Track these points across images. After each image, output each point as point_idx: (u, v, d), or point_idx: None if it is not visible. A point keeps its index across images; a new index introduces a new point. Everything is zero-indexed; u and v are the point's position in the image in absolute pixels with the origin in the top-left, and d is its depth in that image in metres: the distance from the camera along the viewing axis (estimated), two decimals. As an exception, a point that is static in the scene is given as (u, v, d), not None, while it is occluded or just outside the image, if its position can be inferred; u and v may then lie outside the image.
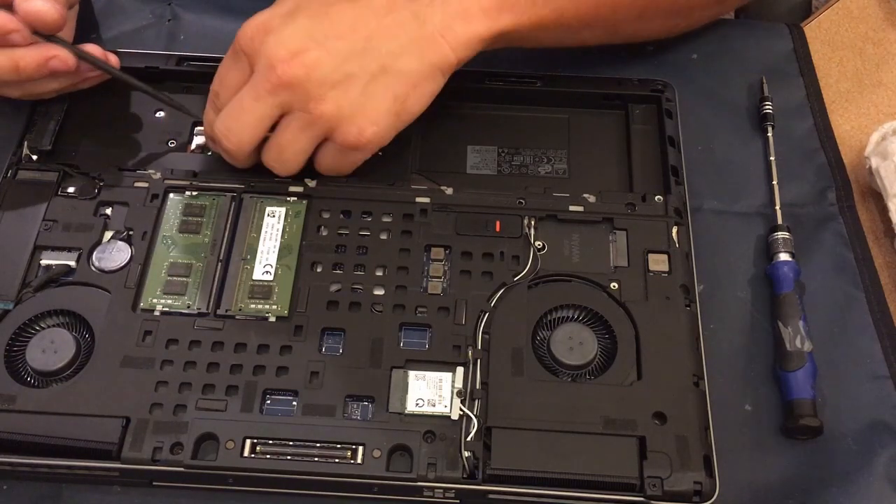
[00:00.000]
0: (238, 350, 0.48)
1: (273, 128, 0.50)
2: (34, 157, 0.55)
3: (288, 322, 0.49)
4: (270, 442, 0.45)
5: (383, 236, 0.52)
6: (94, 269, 0.50)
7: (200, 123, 0.54)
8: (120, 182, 0.53)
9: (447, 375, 0.47)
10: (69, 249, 0.51)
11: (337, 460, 0.44)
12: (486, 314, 0.49)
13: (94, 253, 0.51)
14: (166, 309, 0.49)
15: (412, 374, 0.47)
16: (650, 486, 0.44)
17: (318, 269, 0.51)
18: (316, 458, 0.44)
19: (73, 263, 0.50)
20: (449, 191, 0.54)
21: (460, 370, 0.47)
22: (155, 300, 0.49)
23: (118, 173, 0.54)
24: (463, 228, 0.52)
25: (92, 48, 0.53)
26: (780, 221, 0.55)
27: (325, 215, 0.53)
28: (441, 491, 0.45)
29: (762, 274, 0.54)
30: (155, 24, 0.64)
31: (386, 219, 0.52)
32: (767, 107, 0.60)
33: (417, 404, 0.46)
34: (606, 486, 0.44)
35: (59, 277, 0.50)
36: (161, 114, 0.58)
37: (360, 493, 0.45)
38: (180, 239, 0.52)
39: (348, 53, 0.48)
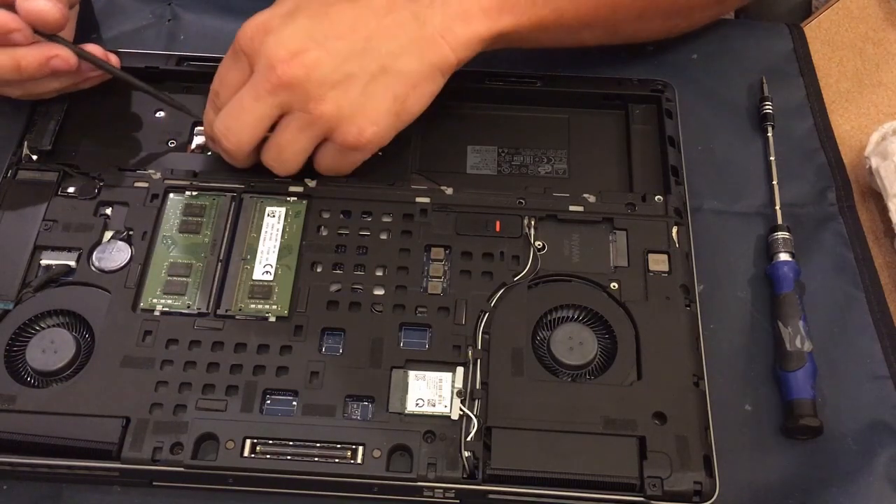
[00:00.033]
0: (238, 350, 0.48)
1: (272, 128, 0.50)
2: (34, 157, 0.55)
3: (288, 322, 0.49)
4: (270, 442, 0.45)
5: (383, 236, 0.52)
6: (94, 269, 0.50)
7: (200, 123, 0.54)
8: (120, 182, 0.53)
9: (447, 375, 0.47)
10: (69, 249, 0.51)
11: (337, 460, 0.44)
12: (486, 314, 0.49)
13: (94, 253, 0.51)
14: (166, 309, 0.49)
15: (412, 374, 0.47)
16: (650, 486, 0.44)
17: (318, 269, 0.51)
18: (316, 458, 0.44)
19: (73, 263, 0.50)
20: (449, 191, 0.54)
21: (460, 370, 0.47)
22: (155, 300, 0.49)
23: (118, 173, 0.54)
24: (463, 228, 0.52)
25: (93, 48, 0.53)
26: (780, 221, 0.55)
27: (325, 215, 0.53)
28: (441, 491, 0.45)
29: (762, 274, 0.54)
30: (155, 24, 0.64)
31: (386, 219, 0.52)
32: (767, 107, 0.60)
33: (417, 404, 0.46)
34: (606, 486, 0.44)
35: (59, 277, 0.50)
36: (161, 114, 0.58)
37: (360, 493, 0.45)
38: (180, 239, 0.52)
39: (348, 54, 0.48)
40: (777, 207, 0.56)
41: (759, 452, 0.48)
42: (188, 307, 0.49)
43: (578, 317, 0.50)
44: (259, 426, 0.45)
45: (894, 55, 0.65)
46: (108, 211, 0.53)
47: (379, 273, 0.50)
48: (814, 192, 0.58)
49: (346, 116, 0.49)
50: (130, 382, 0.46)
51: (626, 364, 0.48)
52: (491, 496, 0.45)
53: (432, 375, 0.47)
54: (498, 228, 0.52)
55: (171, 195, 0.53)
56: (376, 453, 0.44)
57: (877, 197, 0.58)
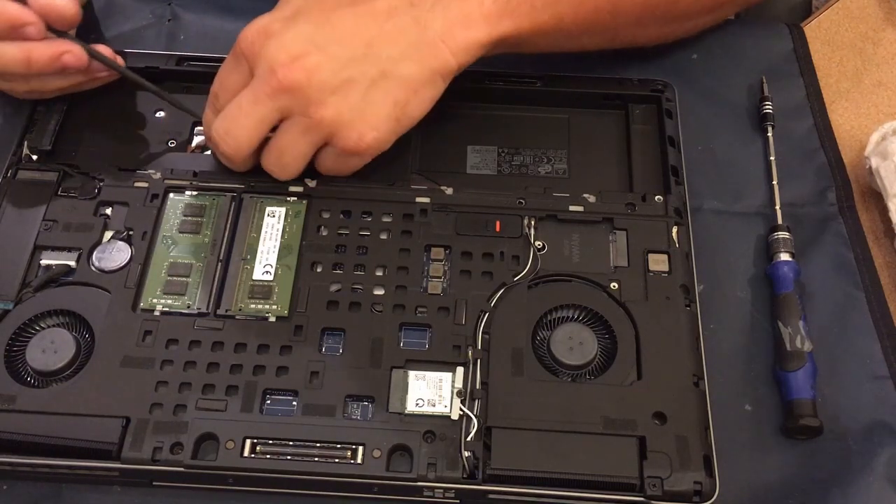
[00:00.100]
0: (238, 350, 0.48)
1: (272, 131, 0.50)
2: (34, 157, 0.55)
3: (288, 322, 0.49)
4: (270, 442, 0.45)
5: (383, 236, 0.52)
6: (94, 269, 0.50)
7: (201, 123, 0.54)
8: (120, 182, 0.53)
9: (447, 375, 0.47)
10: (69, 249, 0.51)
11: (337, 460, 0.44)
12: (486, 314, 0.49)
13: (94, 253, 0.51)
14: (166, 309, 0.49)
15: (412, 374, 0.47)
16: (650, 486, 0.44)
17: (318, 269, 0.51)
18: (316, 458, 0.44)
19: (73, 263, 0.50)
20: (449, 191, 0.54)
21: (460, 370, 0.47)
22: (155, 300, 0.49)
23: (118, 173, 0.54)
24: (463, 228, 0.52)
25: (102, 48, 0.53)
26: (780, 221, 0.55)
27: (325, 215, 0.53)
28: (441, 491, 0.45)
29: (762, 274, 0.54)
30: (155, 24, 0.64)
31: (386, 219, 0.52)
32: (767, 107, 0.60)
33: (417, 404, 0.46)
34: (606, 486, 0.44)
35: (59, 277, 0.50)
36: (161, 114, 0.58)
37: (360, 493, 0.45)
38: (180, 239, 0.52)
39: (349, 58, 0.48)
40: (777, 207, 0.56)
41: (759, 452, 0.48)
42: (188, 307, 0.49)
43: (578, 317, 0.50)
44: (259, 426, 0.45)
45: (894, 55, 0.65)
46: (108, 211, 0.53)
47: (379, 273, 0.50)
48: (814, 192, 0.58)
49: (347, 121, 0.49)
50: (130, 382, 0.46)
51: (626, 364, 0.48)
52: (491, 496, 0.45)
53: (432, 375, 0.47)
54: (498, 228, 0.52)
55: (171, 195, 0.53)
56: (376, 453, 0.44)
57: (877, 197, 0.58)
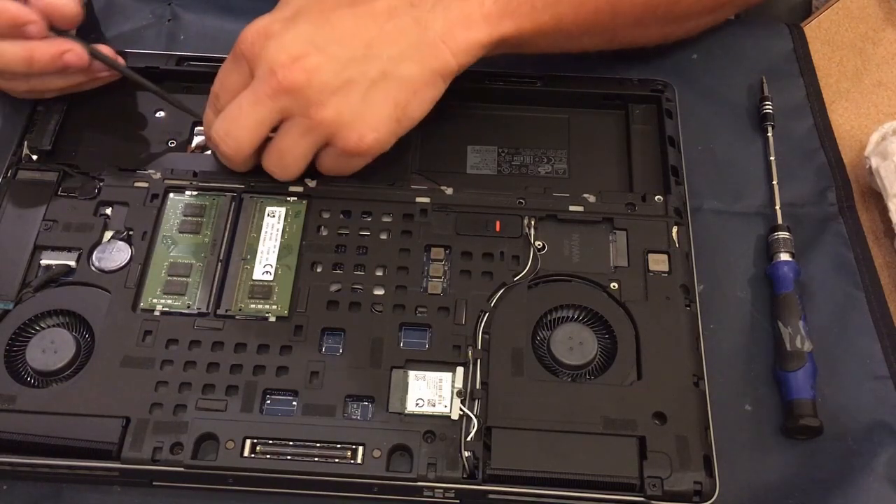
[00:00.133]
0: (238, 350, 0.48)
1: (273, 131, 0.50)
2: (34, 157, 0.55)
3: (288, 322, 0.49)
4: (270, 442, 0.45)
5: (383, 236, 0.52)
6: (94, 269, 0.50)
7: (201, 123, 0.54)
8: (120, 182, 0.53)
9: (447, 375, 0.47)
10: (69, 249, 0.51)
11: (337, 460, 0.44)
12: (486, 314, 0.49)
13: (94, 253, 0.51)
14: (166, 309, 0.49)
15: (412, 374, 0.47)
16: (650, 486, 0.44)
17: (318, 269, 0.51)
18: (316, 458, 0.45)
19: (73, 263, 0.50)
20: (449, 191, 0.54)
21: (460, 370, 0.47)
22: (155, 300, 0.49)
23: (118, 173, 0.54)
24: (463, 228, 0.52)
25: (103, 48, 0.53)
26: (780, 221, 0.55)
27: (325, 215, 0.53)
28: (441, 491, 0.45)
29: (762, 274, 0.54)
30: (155, 24, 0.64)
31: (386, 219, 0.52)
32: (767, 107, 0.60)
33: (417, 404, 0.46)
34: (606, 486, 0.44)
35: (59, 277, 0.50)
36: (161, 114, 0.58)
37: (360, 493, 0.45)
38: (180, 239, 0.52)
39: (349, 59, 0.48)
40: (777, 207, 0.56)
41: (759, 452, 0.48)
42: (188, 307, 0.49)
43: (578, 317, 0.50)
44: (259, 426, 0.45)
45: (894, 55, 0.65)
46: (108, 211, 0.53)
47: (379, 273, 0.50)
48: (814, 192, 0.58)
49: (347, 122, 0.48)
50: (130, 382, 0.46)
51: (626, 364, 0.48)
52: (491, 496, 0.45)
53: (432, 375, 0.47)
54: (498, 228, 0.52)
55: (171, 195, 0.53)
56: (376, 453, 0.44)
57: (877, 197, 0.58)
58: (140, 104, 0.58)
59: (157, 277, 0.50)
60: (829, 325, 0.52)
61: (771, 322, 0.52)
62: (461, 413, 0.46)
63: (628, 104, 0.58)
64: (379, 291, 0.50)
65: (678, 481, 0.44)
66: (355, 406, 0.46)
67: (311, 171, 0.52)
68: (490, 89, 0.58)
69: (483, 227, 0.52)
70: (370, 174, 0.53)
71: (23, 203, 0.52)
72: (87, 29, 0.53)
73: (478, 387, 0.47)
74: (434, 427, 0.45)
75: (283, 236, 0.52)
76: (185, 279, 0.50)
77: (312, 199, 0.53)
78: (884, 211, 0.57)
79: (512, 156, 0.57)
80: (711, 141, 0.60)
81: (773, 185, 0.57)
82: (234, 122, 0.49)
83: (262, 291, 0.50)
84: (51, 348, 0.47)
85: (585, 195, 0.54)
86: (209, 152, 0.55)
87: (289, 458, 0.44)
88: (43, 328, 0.48)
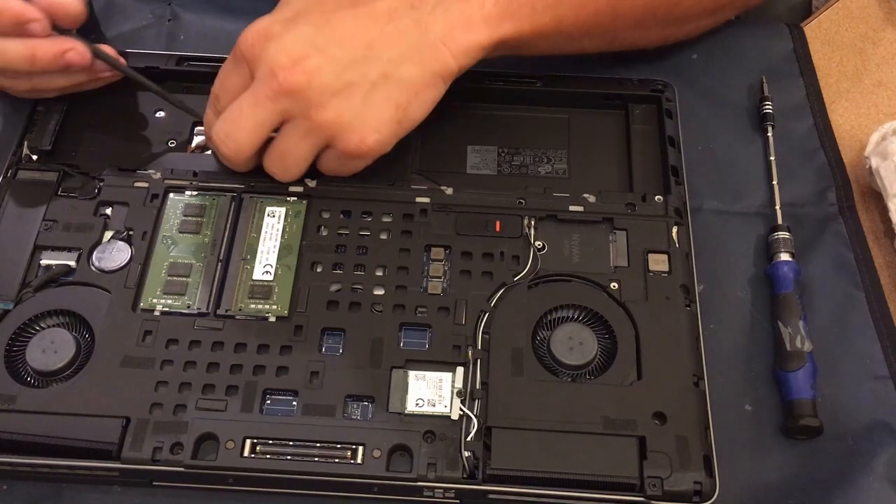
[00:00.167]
0: (238, 350, 0.48)
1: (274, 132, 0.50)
2: (34, 157, 0.55)
3: (288, 322, 0.49)
4: (270, 442, 0.45)
5: (383, 236, 0.52)
6: (94, 269, 0.50)
7: (202, 123, 0.54)
8: (120, 182, 0.53)
9: (447, 375, 0.47)
10: (69, 249, 0.51)
11: (337, 460, 0.44)
12: (486, 314, 0.49)
13: (94, 253, 0.51)
14: (166, 309, 0.49)
15: (412, 374, 0.47)
16: (650, 486, 0.44)
17: (318, 269, 0.51)
18: (316, 458, 0.45)
19: (73, 263, 0.50)
20: (449, 191, 0.54)
21: (460, 370, 0.47)
22: (155, 300, 0.49)
23: (118, 173, 0.54)
24: (463, 228, 0.52)
25: (105, 48, 0.53)
26: (780, 221, 0.55)
27: (325, 215, 0.53)
28: (441, 491, 0.45)
29: (762, 274, 0.54)
30: (155, 24, 0.64)
31: (386, 219, 0.52)
32: (767, 107, 0.60)
33: (417, 404, 0.46)
34: (606, 486, 0.44)
35: (59, 277, 0.50)
36: (161, 114, 0.58)
37: (360, 493, 0.45)
38: (180, 239, 0.52)
39: (349, 61, 0.48)
40: (777, 207, 0.56)
41: (759, 452, 0.48)
42: (188, 307, 0.49)
43: (578, 317, 0.50)
44: (259, 426, 0.45)
45: (894, 55, 0.65)
46: (108, 211, 0.53)
47: (379, 273, 0.50)
48: (814, 192, 0.58)
49: (348, 124, 0.48)
50: (130, 382, 0.46)
51: (626, 364, 0.48)
52: (491, 496, 0.45)
53: (432, 375, 0.47)
54: (498, 228, 0.52)
55: (171, 195, 0.53)
56: (376, 453, 0.44)
57: (877, 197, 0.58)
58: (140, 104, 0.58)
59: (157, 277, 0.50)
60: (829, 325, 0.52)
61: (771, 322, 0.52)
62: (461, 413, 0.46)
63: (628, 104, 0.58)
64: (379, 291, 0.50)
65: (678, 481, 0.44)
66: (355, 406, 0.46)
67: (312, 170, 0.52)
68: (490, 89, 0.58)
69: (483, 227, 0.52)
70: (370, 174, 0.53)
71: (23, 203, 0.52)
72: (88, 29, 0.53)
73: (478, 387, 0.47)
74: (434, 427, 0.45)
75: (283, 236, 0.52)
76: (185, 279, 0.50)
77: (312, 199, 0.53)
78: (884, 211, 0.57)
79: (512, 156, 0.57)
80: (711, 141, 0.60)
81: (773, 185, 0.57)
82: (234, 124, 0.49)
83: (262, 291, 0.50)
84: (51, 348, 0.47)
85: (585, 195, 0.54)
86: (209, 152, 0.55)
87: (289, 458, 0.44)
88: (43, 328, 0.48)
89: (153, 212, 0.52)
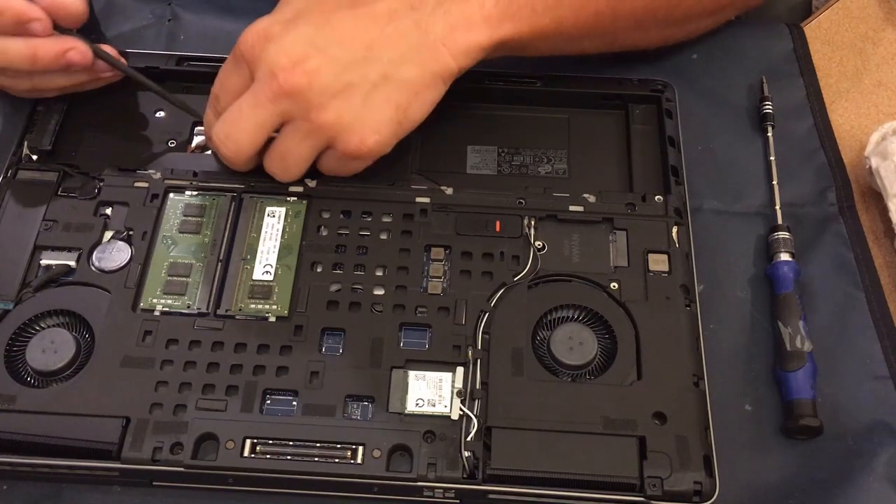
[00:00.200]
0: (238, 350, 0.48)
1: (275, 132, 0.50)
2: (34, 157, 0.55)
3: (288, 322, 0.49)
4: (270, 442, 0.45)
5: (383, 236, 0.52)
6: (94, 269, 0.50)
7: (202, 123, 0.54)
8: (120, 182, 0.53)
9: (447, 375, 0.47)
10: (69, 249, 0.51)
11: (337, 460, 0.44)
12: (486, 314, 0.49)
13: (94, 253, 0.51)
14: (166, 309, 0.49)
15: (412, 374, 0.47)
16: (650, 486, 0.44)
17: (318, 269, 0.51)
18: (316, 458, 0.45)
19: (73, 263, 0.50)
20: (449, 191, 0.54)
21: (460, 370, 0.47)
22: (155, 300, 0.49)
23: (118, 173, 0.54)
24: (463, 228, 0.52)
25: (106, 48, 0.53)
26: (780, 221, 0.55)
27: (325, 215, 0.53)
28: (441, 491, 0.45)
29: (762, 274, 0.54)
30: (155, 24, 0.64)
31: (386, 219, 0.52)
32: (767, 107, 0.60)
33: (417, 404, 0.46)
34: (606, 486, 0.44)
35: (59, 277, 0.50)
36: (161, 114, 0.58)
37: (360, 493, 0.45)
38: (180, 239, 0.52)
39: (350, 62, 0.48)
40: (777, 207, 0.56)
41: (759, 452, 0.48)
42: (188, 307, 0.49)
43: (578, 317, 0.50)
44: (259, 426, 0.45)
45: (894, 55, 0.65)
46: (108, 211, 0.53)
47: (379, 273, 0.50)
48: (814, 192, 0.58)
49: (348, 125, 0.48)
50: (130, 382, 0.46)
51: (626, 364, 0.48)
52: (491, 496, 0.45)
53: (432, 375, 0.47)
54: (498, 228, 0.52)
55: (171, 195, 0.53)
56: (376, 453, 0.44)
57: (877, 197, 0.58)
58: (140, 104, 0.58)
59: (157, 277, 0.50)
60: (829, 325, 0.52)
61: (771, 322, 0.52)
62: (461, 413, 0.46)
63: (628, 104, 0.58)
64: (379, 291, 0.50)
65: (678, 481, 0.44)
66: (355, 406, 0.46)
67: (312, 170, 0.52)
68: (490, 89, 0.58)
69: (483, 227, 0.52)
70: (370, 174, 0.53)
71: (23, 203, 0.52)
72: (88, 29, 0.53)
73: (478, 387, 0.47)
74: (434, 427, 0.45)
75: (283, 236, 0.52)
76: (185, 279, 0.50)
77: (312, 199, 0.53)
78: (884, 211, 0.57)
79: (512, 156, 0.57)
80: (711, 141, 0.60)
81: (773, 185, 0.57)
82: (234, 126, 0.49)
83: (262, 291, 0.50)
84: (51, 348, 0.47)
85: (585, 195, 0.54)
86: (209, 152, 0.55)
87: (289, 458, 0.44)
88: (43, 328, 0.48)
89: (153, 212, 0.52)
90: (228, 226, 0.52)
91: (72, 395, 0.46)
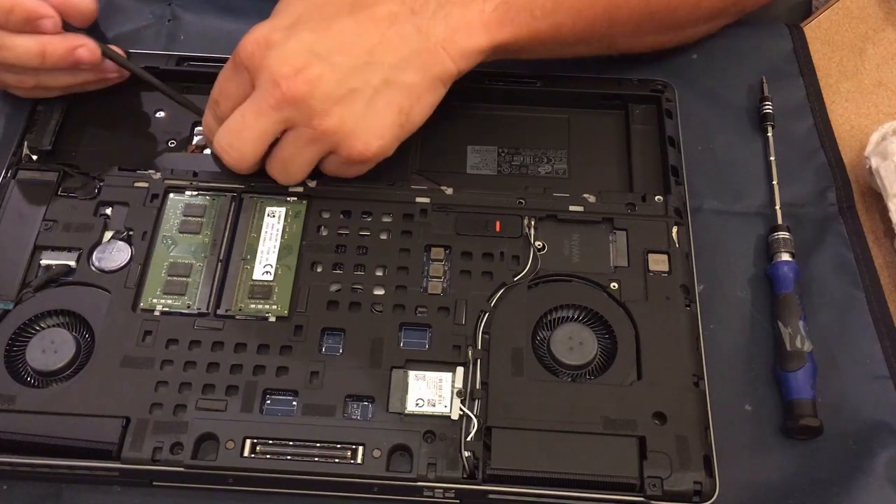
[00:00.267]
0: (238, 350, 0.48)
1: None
2: (34, 157, 0.55)
3: (288, 322, 0.49)
4: (270, 442, 0.45)
5: (383, 236, 0.52)
6: (94, 269, 0.50)
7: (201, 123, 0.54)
8: (120, 182, 0.53)
9: (447, 375, 0.47)
10: (69, 249, 0.51)
11: (337, 460, 0.44)
12: (486, 314, 0.49)
13: (94, 253, 0.51)
14: (166, 309, 0.49)
15: (412, 374, 0.47)
16: (650, 486, 0.44)
17: (318, 269, 0.51)
18: (316, 458, 0.45)
19: (73, 263, 0.50)
20: (449, 191, 0.54)
21: (460, 370, 0.47)
22: (155, 300, 0.49)
23: (118, 173, 0.54)
24: (463, 228, 0.52)
25: (113, 48, 0.53)
26: (780, 221, 0.55)
27: (325, 215, 0.53)
28: (441, 491, 0.45)
29: (762, 274, 0.54)
30: (155, 24, 0.64)
31: (386, 219, 0.52)
32: (767, 107, 0.60)
33: (417, 404, 0.46)
34: (606, 486, 0.44)
35: (59, 277, 0.50)
36: (161, 114, 0.58)
37: (360, 493, 0.45)
38: (180, 239, 0.52)
39: (351, 68, 0.48)
40: (777, 207, 0.56)
41: (759, 452, 0.48)
42: (188, 307, 0.49)
43: (578, 317, 0.50)
44: (259, 426, 0.45)
45: (894, 55, 0.65)
46: (108, 211, 0.53)
47: (379, 273, 0.50)
48: (814, 192, 0.58)
49: (351, 131, 0.48)
50: (130, 382, 0.46)
51: (626, 364, 0.48)
52: (491, 496, 0.45)
53: (432, 375, 0.47)
54: (498, 228, 0.52)
55: (171, 195, 0.53)
56: (376, 453, 0.44)
57: (877, 197, 0.58)
58: (140, 104, 0.58)
59: (157, 277, 0.50)
60: (829, 325, 0.52)
61: (771, 322, 0.52)
62: (461, 413, 0.46)
63: (628, 104, 0.58)
64: (379, 291, 0.50)
65: (678, 481, 0.44)
66: (355, 406, 0.46)
67: (312, 170, 0.52)
68: (490, 89, 0.58)
69: (483, 227, 0.52)
70: (370, 174, 0.53)
71: (23, 203, 0.52)
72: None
73: (478, 387, 0.47)
74: (434, 427, 0.45)
75: (283, 236, 0.52)
76: (185, 279, 0.50)
77: (312, 199, 0.53)
78: (884, 211, 0.57)
79: (512, 156, 0.57)
80: (711, 141, 0.60)
81: (773, 185, 0.57)
82: (237, 135, 0.49)
83: (262, 291, 0.50)
84: (51, 348, 0.47)
85: (585, 195, 0.54)
86: (209, 152, 0.55)
87: (289, 458, 0.44)
88: (43, 328, 0.48)
89: (153, 212, 0.52)
90: (228, 226, 0.52)
91: (72, 395, 0.46)
